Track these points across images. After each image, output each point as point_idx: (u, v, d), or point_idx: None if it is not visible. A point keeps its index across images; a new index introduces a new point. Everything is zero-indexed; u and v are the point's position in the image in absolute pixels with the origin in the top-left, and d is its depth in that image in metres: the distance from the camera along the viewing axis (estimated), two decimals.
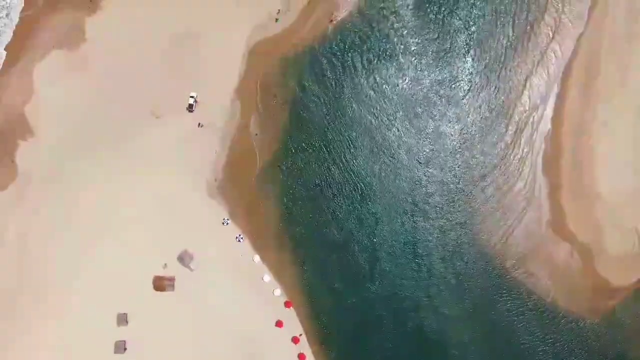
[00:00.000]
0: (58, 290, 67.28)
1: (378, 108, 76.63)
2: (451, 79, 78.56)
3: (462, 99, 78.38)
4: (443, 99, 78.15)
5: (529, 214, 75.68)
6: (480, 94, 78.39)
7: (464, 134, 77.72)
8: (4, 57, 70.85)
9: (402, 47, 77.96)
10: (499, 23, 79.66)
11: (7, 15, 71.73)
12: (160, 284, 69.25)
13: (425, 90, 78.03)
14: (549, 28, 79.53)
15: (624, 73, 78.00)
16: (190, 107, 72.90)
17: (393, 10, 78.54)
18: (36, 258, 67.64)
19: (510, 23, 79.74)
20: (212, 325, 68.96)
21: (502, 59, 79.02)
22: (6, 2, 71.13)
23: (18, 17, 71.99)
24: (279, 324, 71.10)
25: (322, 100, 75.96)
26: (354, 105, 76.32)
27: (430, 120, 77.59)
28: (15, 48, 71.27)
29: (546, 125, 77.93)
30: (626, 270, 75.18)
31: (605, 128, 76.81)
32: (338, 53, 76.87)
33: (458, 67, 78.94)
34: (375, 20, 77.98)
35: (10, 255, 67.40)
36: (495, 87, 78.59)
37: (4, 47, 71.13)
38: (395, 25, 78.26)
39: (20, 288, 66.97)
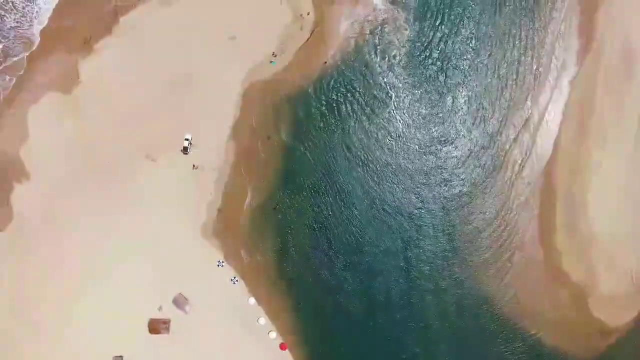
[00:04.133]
0: (53, 332, 67.29)
1: (371, 156, 76.86)
2: (444, 130, 78.83)
3: (455, 148, 78.65)
4: (436, 150, 78.45)
5: (523, 255, 76.05)
6: (474, 141, 78.69)
7: (457, 180, 77.98)
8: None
9: (395, 94, 78.24)
10: (493, 68, 79.97)
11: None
12: (156, 326, 69.46)
13: (418, 141, 78.33)
14: (545, 71, 79.78)
15: (619, 113, 78.25)
16: (185, 150, 72.84)
17: (387, 56, 78.60)
18: (31, 301, 67.50)
19: (505, 68, 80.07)
20: None
21: (497, 103, 79.36)
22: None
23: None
24: None
25: (316, 143, 76.04)
26: (347, 150, 76.57)
27: (424, 170, 77.93)
28: (9, 91, 70.87)
29: (541, 166, 78.14)
30: (620, 310, 75.85)
31: (600, 168, 77.10)
32: (332, 96, 76.81)
33: (452, 117, 79.11)
34: (370, 65, 78.01)
35: (5, 297, 67.34)
36: (489, 131, 78.92)
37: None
38: (390, 72, 78.45)
39: (15, 330, 66.92)
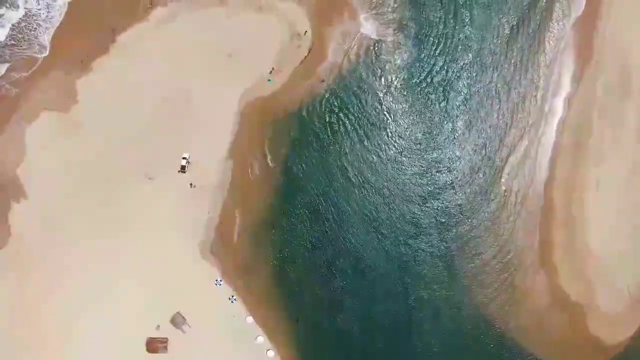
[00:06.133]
0: (52, 352, 67.39)
1: (369, 177, 77.10)
2: (441, 149, 79.05)
3: (451, 165, 78.91)
4: (433, 173, 78.71)
5: (521, 274, 76.01)
6: (470, 160, 78.96)
7: (455, 200, 78.27)
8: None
9: (392, 116, 78.42)
10: (491, 87, 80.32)
11: None
12: (153, 346, 69.49)
13: (415, 162, 78.65)
14: (543, 91, 79.93)
15: (616, 131, 78.34)
16: (182, 168, 72.93)
17: (385, 76, 78.90)
18: (29, 321, 67.67)
19: (503, 85, 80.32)
20: None
21: (493, 121, 79.71)
22: None
23: None
24: None
25: (314, 161, 76.16)
26: (345, 169, 76.75)
27: (421, 190, 78.09)
28: (7, 109, 70.82)
29: (539, 185, 78.14)
30: (617, 327, 75.70)
31: (598, 186, 77.12)
32: (329, 114, 77.03)
33: (448, 137, 79.33)
34: (367, 85, 78.24)
35: (4, 316, 67.41)
36: (486, 150, 79.12)
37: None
38: (387, 93, 78.68)
39: (15, 349, 66.98)
